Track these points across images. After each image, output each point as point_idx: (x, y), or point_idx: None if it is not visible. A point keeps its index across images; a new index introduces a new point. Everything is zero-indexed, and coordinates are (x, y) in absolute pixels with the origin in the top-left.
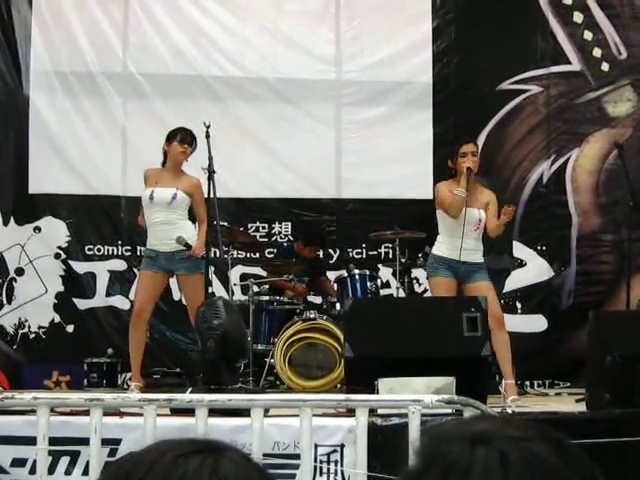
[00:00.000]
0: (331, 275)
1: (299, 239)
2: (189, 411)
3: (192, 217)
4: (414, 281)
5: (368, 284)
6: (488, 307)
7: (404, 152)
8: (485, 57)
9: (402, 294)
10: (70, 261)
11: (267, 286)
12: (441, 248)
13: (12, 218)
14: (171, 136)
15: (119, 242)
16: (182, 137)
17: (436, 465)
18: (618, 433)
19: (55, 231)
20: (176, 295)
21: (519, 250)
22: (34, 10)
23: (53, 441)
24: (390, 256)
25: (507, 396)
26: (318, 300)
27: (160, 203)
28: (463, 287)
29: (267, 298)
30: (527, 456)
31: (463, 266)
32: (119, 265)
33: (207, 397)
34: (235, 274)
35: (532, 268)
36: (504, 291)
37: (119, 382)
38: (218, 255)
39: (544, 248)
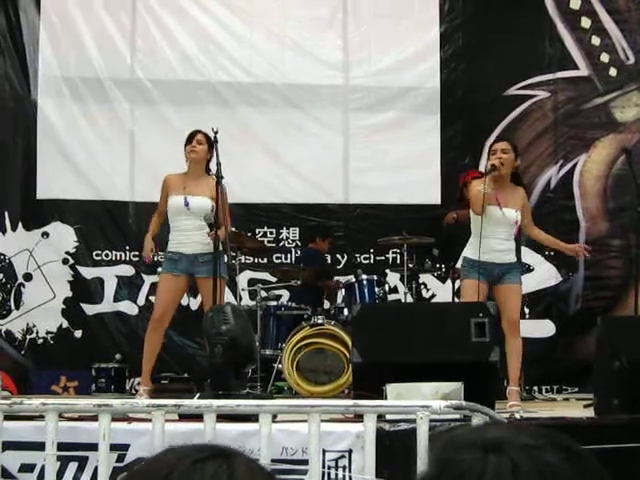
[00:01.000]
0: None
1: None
2: (197, 417)
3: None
4: (422, 286)
5: (376, 289)
6: (505, 311)
7: (412, 157)
8: (493, 62)
9: (410, 299)
10: (78, 266)
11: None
12: (472, 250)
13: (20, 223)
14: (185, 141)
15: (127, 247)
16: (189, 136)
17: (448, 472)
18: (627, 439)
19: (63, 236)
20: (184, 300)
21: (527, 255)
22: (42, 16)
23: (61, 447)
24: (398, 261)
25: (508, 401)
26: (326, 305)
27: (198, 212)
28: (494, 288)
29: (275, 303)
30: (538, 464)
31: (497, 268)
32: (127, 270)
33: (215, 403)
34: (243, 279)
35: (540, 273)
36: None
37: (127, 387)
38: (226, 260)
39: (552, 253)
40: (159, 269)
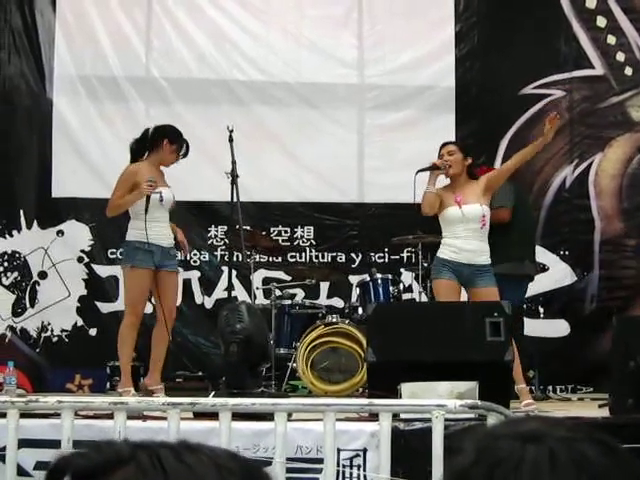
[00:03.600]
0: (353, 279)
1: None
2: (212, 415)
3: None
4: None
5: (390, 288)
6: None
7: (426, 156)
8: (508, 61)
9: (424, 298)
10: (93, 265)
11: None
12: (443, 250)
13: (35, 222)
14: (164, 134)
15: None
16: (178, 142)
17: (485, 460)
18: None
19: (78, 235)
20: (198, 298)
21: (542, 255)
22: (58, 14)
23: (77, 444)
24: (412, 260)
25: (521, 401)
26: (340, 304)
27: (167, 205)
28: (468, 291)
29: (289, 302)
30: (576, 456)
31: (467, 269)
32: None
33: (231, 401)
34: (257, 278)
35: (555, 273)
36: (526, 296)
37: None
38: (241, 259)
39: (567, 253)
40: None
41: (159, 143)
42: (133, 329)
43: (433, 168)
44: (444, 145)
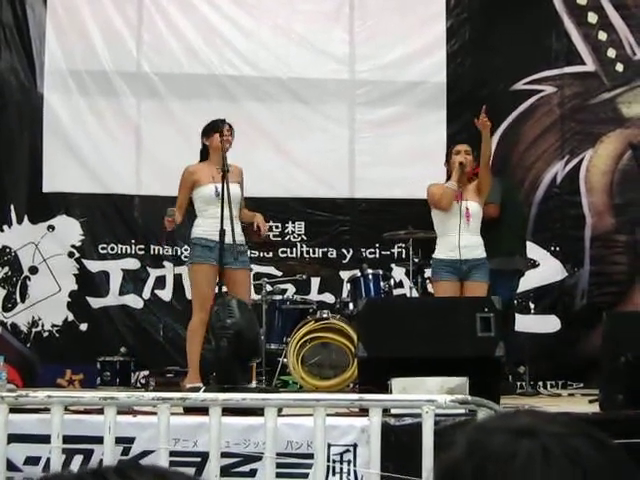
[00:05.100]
0: (344, 275)
1: None
2: (203, 410)
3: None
4: (427, 281)
5: (381, 284)
6: None
7: (417, 152)
8: (499, 57)
9: (415, 294)
10: (84, 260)
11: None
12: (440, 249)
13: (26, 217)
14: (209, 129)
15: (132, 241)
16: (216, 126)
17: (477, 453)
18: (632, 434)
19: (69, 230)
20: (189, 293)
21: (533, 250)
22: (49, 9)
23: (67, 439)
24: (403, 256)
25: None
26: (331, 299)
27: (229, 199)
28: (463, 285)
29: (280, 297)
30: (569, 450)
31: (465, 264)
32: (132, 264)
33: (221, 396)
34: None
35: (545, 268)
36: (517, 291)
37: (132, 381)
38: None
39: (558, 248)
40: (189, 261)
41: (204, 147)
42: (203, 326)
43: (462, 167)
44: (459, 144)
